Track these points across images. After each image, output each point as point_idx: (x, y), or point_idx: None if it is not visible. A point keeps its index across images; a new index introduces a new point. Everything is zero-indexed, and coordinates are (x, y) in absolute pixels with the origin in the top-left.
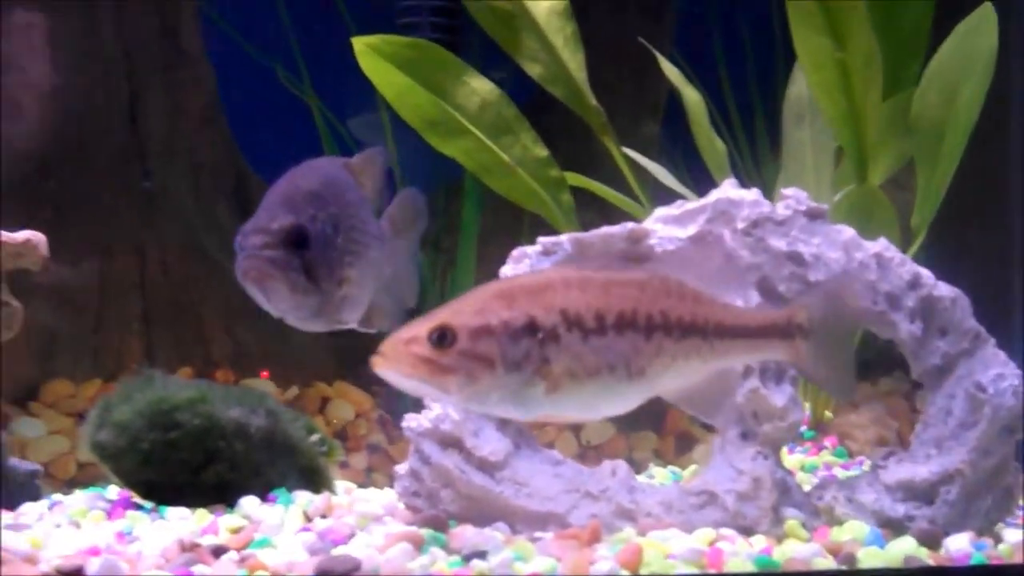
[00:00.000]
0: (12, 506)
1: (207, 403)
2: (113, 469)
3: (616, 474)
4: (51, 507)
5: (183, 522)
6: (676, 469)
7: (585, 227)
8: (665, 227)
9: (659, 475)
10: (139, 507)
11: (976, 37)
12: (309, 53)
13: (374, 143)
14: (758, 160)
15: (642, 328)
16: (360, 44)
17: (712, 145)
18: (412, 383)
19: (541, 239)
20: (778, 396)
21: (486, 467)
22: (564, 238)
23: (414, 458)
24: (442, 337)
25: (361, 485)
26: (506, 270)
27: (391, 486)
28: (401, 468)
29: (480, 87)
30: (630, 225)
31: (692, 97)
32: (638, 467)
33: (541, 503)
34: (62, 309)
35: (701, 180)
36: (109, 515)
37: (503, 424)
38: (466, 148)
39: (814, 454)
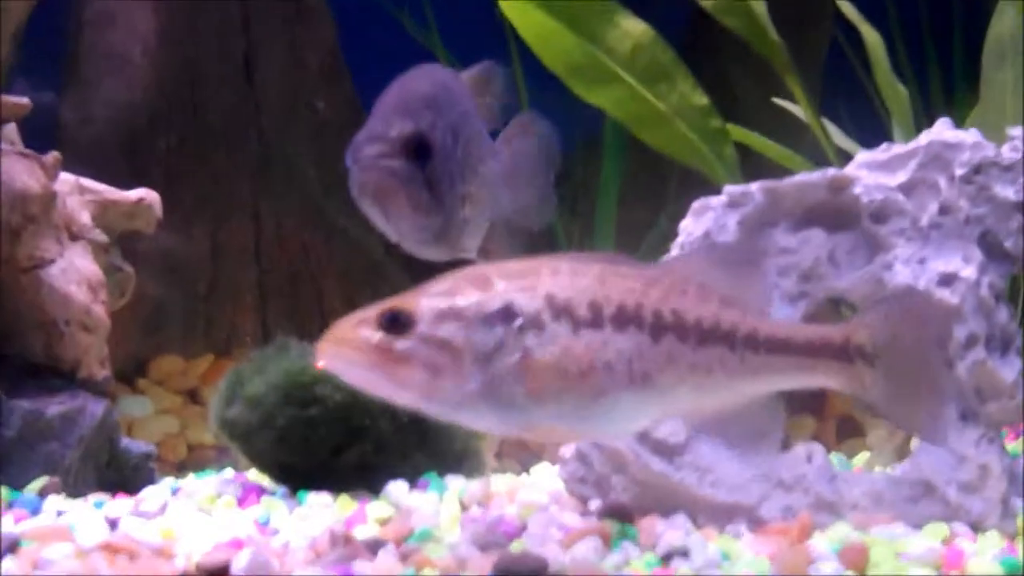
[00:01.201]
0: (129, 491)
1: None
2: (243, 449)
3: (812, 460)
4: (174, 492)
5: (326, 510)
6: (842, 457)
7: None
8: (870, 174)
9: None
10: (271, 492)
11: None
12: (437, 1)
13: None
14: (935, 106)
15: (648, 326)
16: None
17: (894, 90)
18: (361, 375)
19: (728, 188)
20: (1006, 370)
21: (664, 451)
22: (754, 187)
23: (574, 463)
24: (394, 320)
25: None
26: (685, 224)
27: (524, 471)
28: (567, 451)
29: (633, 28)
30: (831, 171)
31: (871, 37)
32: None
33: (728, 493)
34: (171, 278)
35: (867, 136)
36: (240, 502)
37: None
38: (616, 97)
39: (1012, 439)
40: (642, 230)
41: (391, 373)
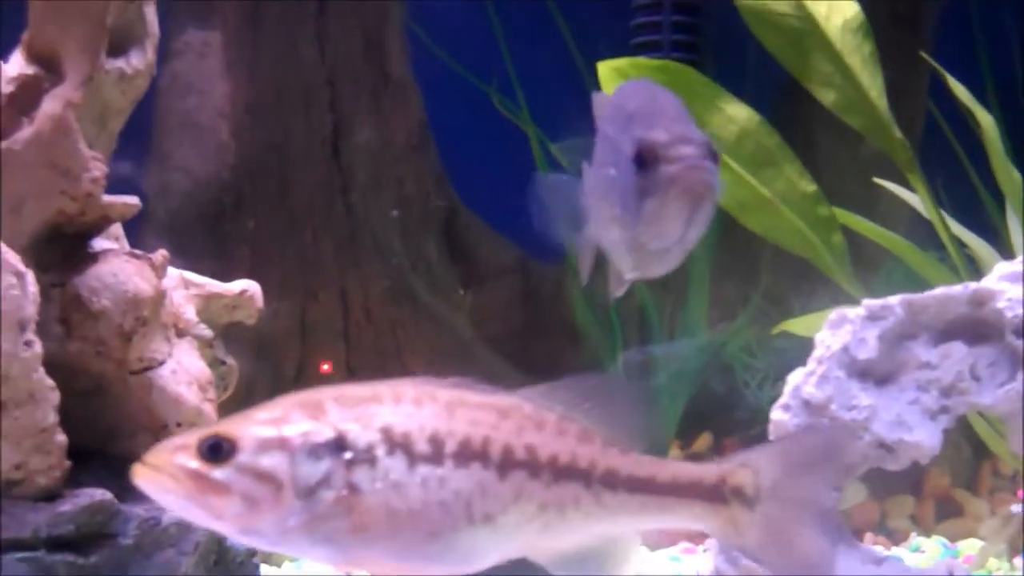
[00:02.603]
0: None
1: None
2: None
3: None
4: None
5: None
6: (944, 540)
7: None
8: (1013, 287)
9: (927, 547)
10: None
11: None
12: (526, 77)
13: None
14: None
15: (495, 463)
16: (605, 68)
17: (1009, 175)
18: (175, 503)
19: (866, 302)
20: None
21: None
22: (895, 300)
23: (719, 559)
24: (215, 448)
25: None
26: (822, 336)
27: None
28: (703, 569)
29: (737, 114)
30: (972, 285)
31: (985, 120)
32: (895, 536)
33: None
34: (259, 359)
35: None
36: None
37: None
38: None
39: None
40: (734, 306)
41: (206, 503)
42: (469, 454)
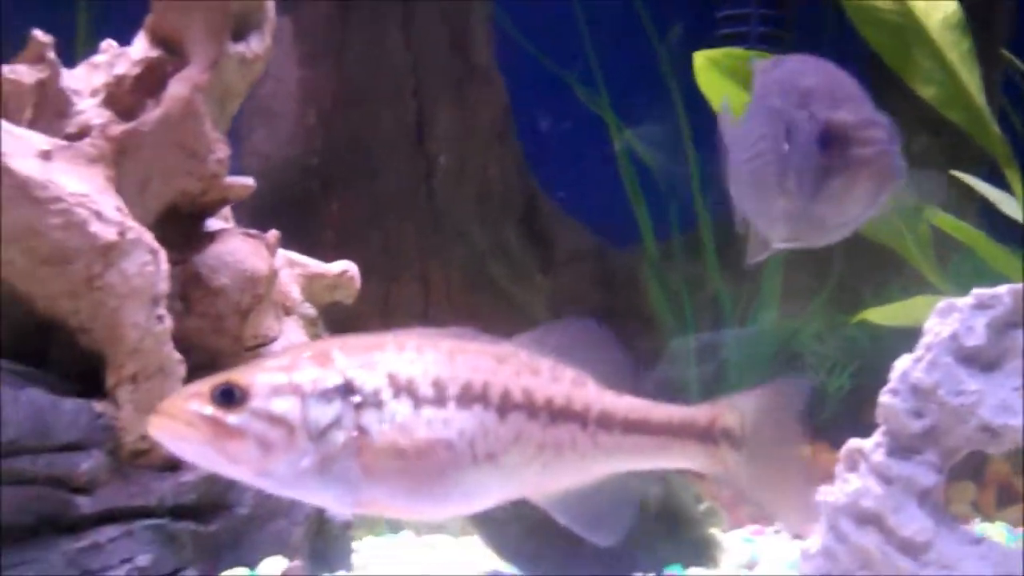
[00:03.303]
0: (331, 561)
1: None
2: (494, 537)
3: None
4: None
5: None
6: (1007, 525)
7: None
8: None
9: (991, 532)
10: None
11: None
12: (608, 66)
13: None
14: None
15: (495, 405)
16: (700, 58)
17: None
18: (192, 450)
19: (976, 291)
20: None
21: (909, 548)
22: (1003, 290)
23: (828, 536)
24: (228, 394)
25: None
26: (930, 324)
27: None
28: (812, 545)
29: None
30: None
31: None
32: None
33: None
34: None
35: None
36: None
37: (923, 499)
38: None
39: None
40: (806, 296)
41: (222, 448)
42: (470, 397)
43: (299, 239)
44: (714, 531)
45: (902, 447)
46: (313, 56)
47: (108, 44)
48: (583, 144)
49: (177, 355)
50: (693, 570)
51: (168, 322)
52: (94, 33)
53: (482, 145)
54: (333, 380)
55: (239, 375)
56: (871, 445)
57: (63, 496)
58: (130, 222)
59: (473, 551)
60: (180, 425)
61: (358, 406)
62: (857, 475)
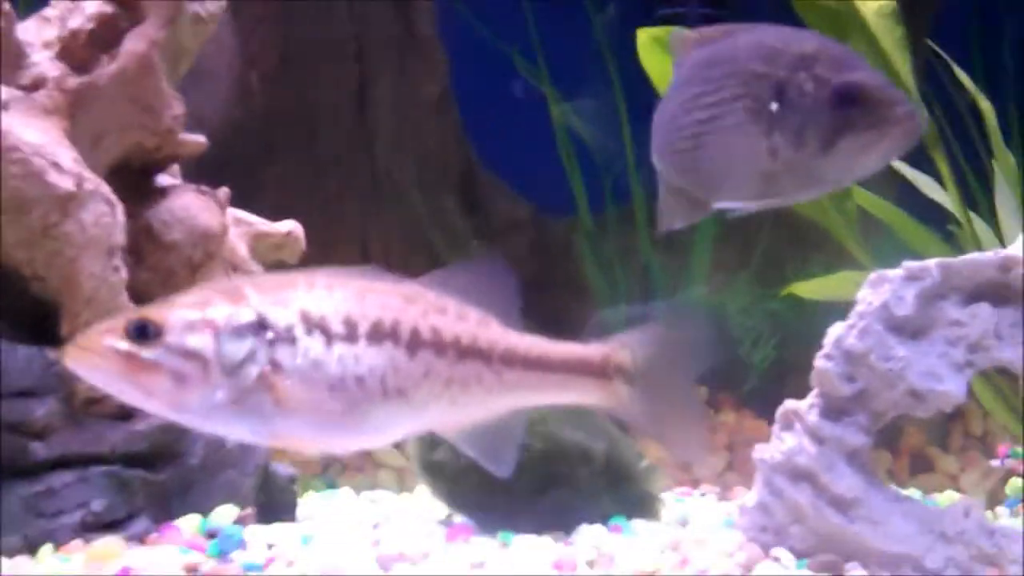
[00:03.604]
0: (278, 513)
1: (549, 424)
2: (447, 489)
3: (970, 515)
4: (375, 527)
5: (533, 551)
6: (919, 492)
7: None
8: None
9: None
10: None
11: None
12: (548, 41)
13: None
14: None
15: (404, 342)
16: (644, 35)
17: (1007, 161)
18: (107, 382)
19: (907, 263)
20: None
21: (841, 504)
22: (932, 263)
23: (764, 491)
24: (141, 329)
25: None
26: (864, 294)
27: None
28: (749, 501)
29: None
30: (1002, 252)
31: (985, 105)
32: None
33: (897, 544)
34: None
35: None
36: (448, 539)
37: (852, 458)
38: None
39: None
40: (733, 270)
41: (137, 381)
42: (381, 334)
43: (240, 200)
44: (656, 488)
45: (834, 409)
46: (257, 19)
47: None
48: (521, 116)
49: (131, 305)
50: (636, 522)
51: (123, 273)
52: None
53: (422, 114)
54: (247, 316)
55: (154, 311)
56: (805, 407)
57: (18, 441)
58: (87, 173)
59: (417, 503)
60: (95, 358)
61: (271, 342)
62: (792, 434)
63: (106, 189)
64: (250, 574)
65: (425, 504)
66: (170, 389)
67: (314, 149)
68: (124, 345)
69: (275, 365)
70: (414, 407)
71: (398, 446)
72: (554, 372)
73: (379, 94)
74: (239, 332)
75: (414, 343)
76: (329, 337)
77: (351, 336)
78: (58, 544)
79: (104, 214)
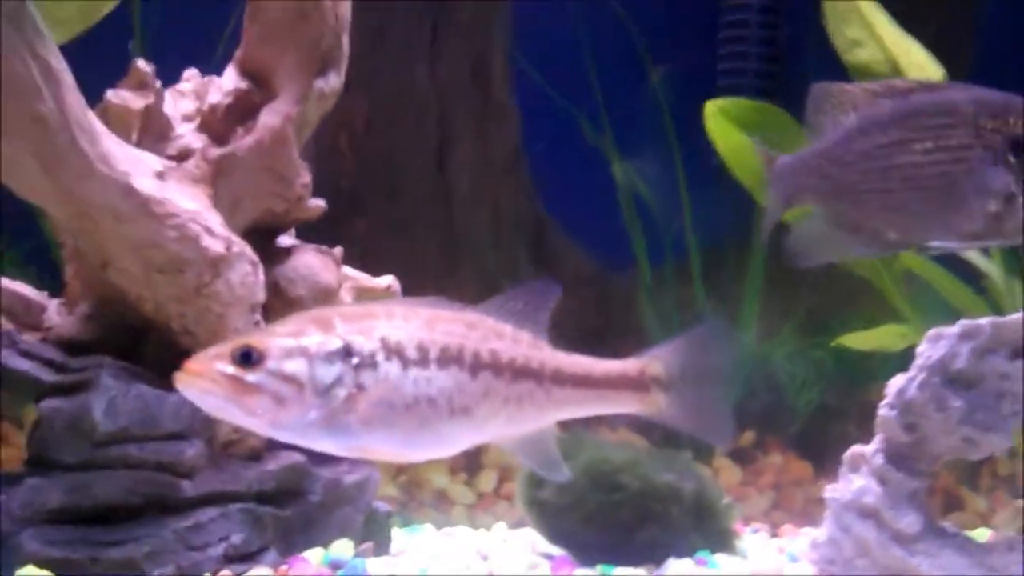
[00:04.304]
0: (378, 546)
1: (643, 466)
2: (550, 524)
3: (1013, 549)
4: (484, 559)
5: None
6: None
7: None
8: None
9: None
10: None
11: None
12: (613, 106)
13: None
14: None
15: (468, 365)
16: (712, 106)
17: None
18: (214, 403)
19: (963, 321)
20: None
21: (902, 539)
22: (984, 321)
23: (834, 527)
24: (247, 356)
25: None
26: (923, 349)
27: None
28: (820, 536)
29: None
30: None
31: None
32: None
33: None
34: None
35: None
36: (553, 571)
37: (912, 498)
38: (797, 210)
39: None
40: (780, 321)
41: (241, 402)
42: (448, 359)
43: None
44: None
45: (896, 453)
46: (347, 84)
47: (192, 73)
48: (587, 175)
49: None
50: (718, 556)
51: (263, 326)
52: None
53: (497, 173)
54: (335, 344)
55: (255, 339)
56: (871, 451)
57: (169, 480)
58: (235, 237)
59: (495, 537)
60: (205, 382)
61: (356, 366)
62: (859, 475)
63: (250, 251)
64: None
65: (504, 537)
66: (270, 409)
67: (398, 205)
68: (231, 369)
69: (360, 387)
70: (476, 423)
71: (469, 484)
72: (598, 388)
73: (457, 155)
74: (329, 358)
75: (476, 366)
76: (405, 362)
77: (423, 361)
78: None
79: (248, 274)
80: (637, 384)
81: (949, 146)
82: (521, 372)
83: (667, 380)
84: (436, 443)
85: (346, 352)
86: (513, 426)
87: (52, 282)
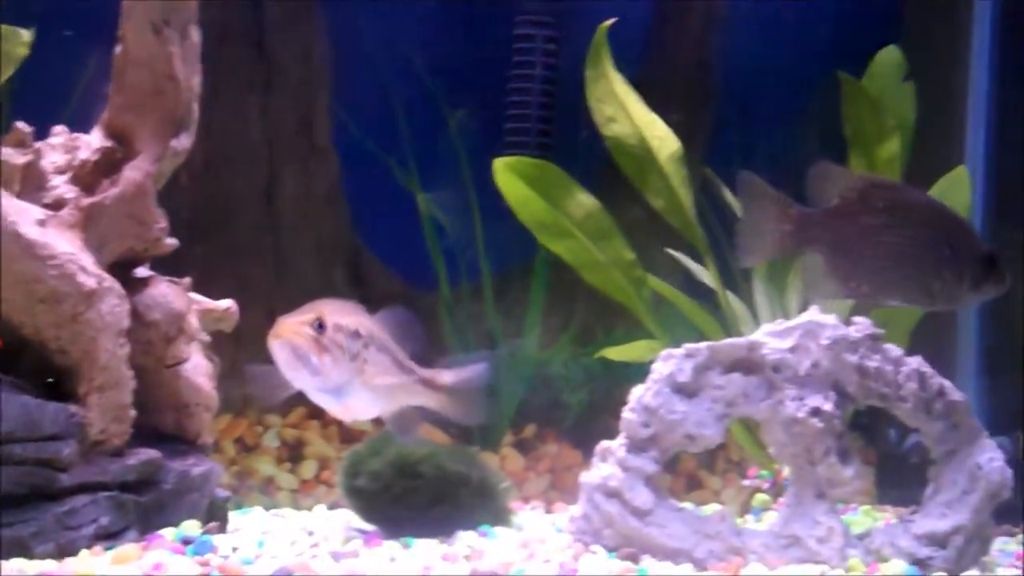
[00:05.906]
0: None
1: (439, 457)
2: (363, 506)
3: (724, 520)
4: (310, 534)
5: (429, 550)
6: (691, 504)
7: None
8: (772, 339)
9: None
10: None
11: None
12: (418, 150)
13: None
14: None
15: (387, 351)
16: (499, 163)
17: None
18: (297, 359)
19: (686, 345)
20: (847, 470)
21: (639, 514)
22: (703, 345)
23: (586, 505)
24: (321, 325)
25: None
26: (657, 366)
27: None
28: (574, 512)
29: (585, 200)
30: (750, 338)
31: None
32: None
33: (676, 541)
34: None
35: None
36: (366, 543)
37: (647, 481)
38: (571, 247)
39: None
40: (556, 333)
41: (319, 358)
42: (381, 345)
43: (172, 274)
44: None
45: (636, 447)
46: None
47: (61, 129)
48: (397, 208)
49: (130, 372)
50: (498, 528)
51: (127, 348)
52: None
53: (319, 206)
54: (355, 325)
55: (317, 313)
56: (616, 445)
57: (48, 473)
58: (105, 274)
59: (316, 517)
60: (300, 340)
61: (364, 344)
62: (606, 464)
63: (118, 286)
64: (246, 567)
65: (324, 517)
66: (328, 366)
67: (232, 234)
68: (311, 332)
69: (364, 359)
70: (383, 393)
71: (293, 472)
72: (432, 390)
73: (284, 191)
74: (354, 335)
75: (388, 353)
76: (372, 343)
77: (383, 349)
78: (80, 550)
79: (116, 305)
80: (437, 387)
81: (924, 236)
82: (402, 367)
83: (449, 388)
84: (384, 406)
85: (358, 332)
86: (395, 403)
87: None
